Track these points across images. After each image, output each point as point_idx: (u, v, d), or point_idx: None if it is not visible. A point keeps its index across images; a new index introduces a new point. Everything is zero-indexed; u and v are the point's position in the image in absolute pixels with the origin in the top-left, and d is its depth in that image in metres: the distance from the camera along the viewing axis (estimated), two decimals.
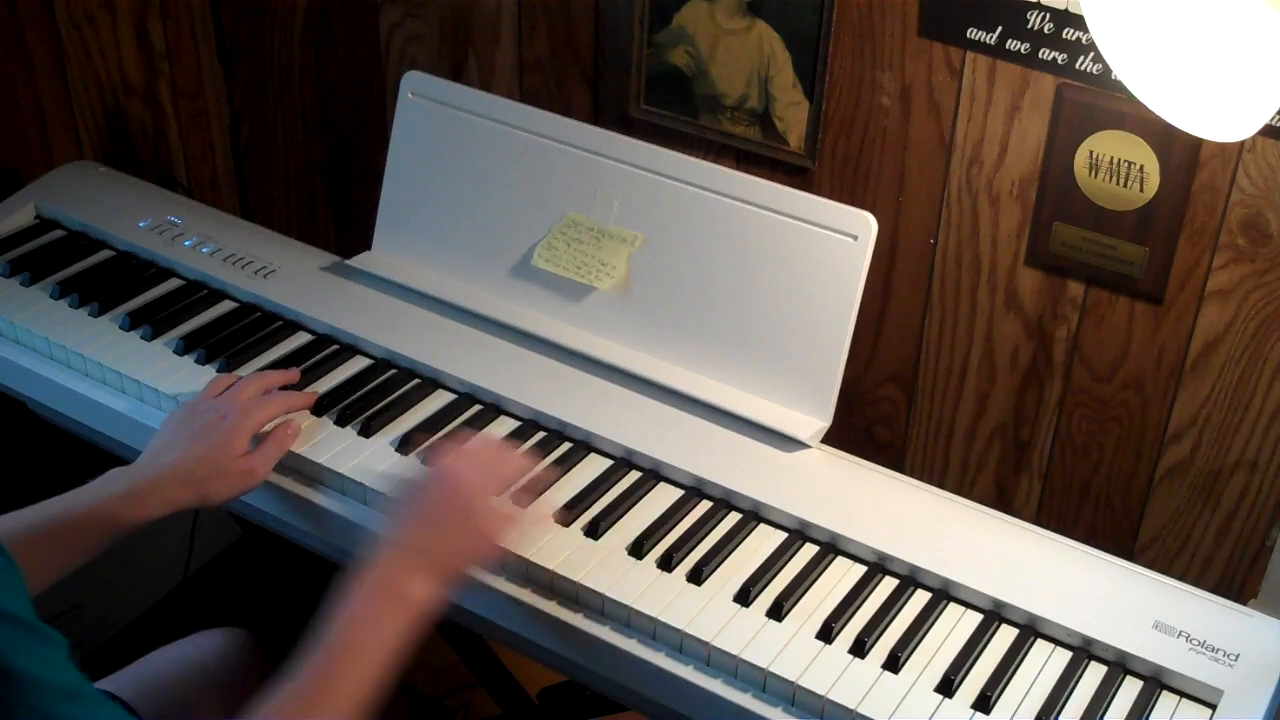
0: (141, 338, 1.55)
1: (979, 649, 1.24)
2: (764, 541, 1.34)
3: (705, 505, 1.37)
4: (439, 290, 1.60)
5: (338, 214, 2.18)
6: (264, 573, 2.25)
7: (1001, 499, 1.73)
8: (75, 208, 1.74)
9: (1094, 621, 1.25)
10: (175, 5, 2.03)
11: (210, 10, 2.07)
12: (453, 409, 1.47)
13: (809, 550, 1.33)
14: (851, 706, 1.17)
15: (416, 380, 1.51)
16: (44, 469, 1.32)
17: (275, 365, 1.51)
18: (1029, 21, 1.44)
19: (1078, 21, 1.41)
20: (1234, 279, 1.47)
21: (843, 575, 1.31)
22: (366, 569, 1.14)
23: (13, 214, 1.74)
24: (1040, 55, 1.45)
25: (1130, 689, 1.21)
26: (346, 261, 1.66)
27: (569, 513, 1.34)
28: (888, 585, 1.30)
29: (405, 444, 1.41)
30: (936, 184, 1.59)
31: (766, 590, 1.28)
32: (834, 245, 1.43)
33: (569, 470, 1.40)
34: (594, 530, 1.32)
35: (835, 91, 1.60)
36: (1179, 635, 1.23)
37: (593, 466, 1.41)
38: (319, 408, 1.46)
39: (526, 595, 1.28)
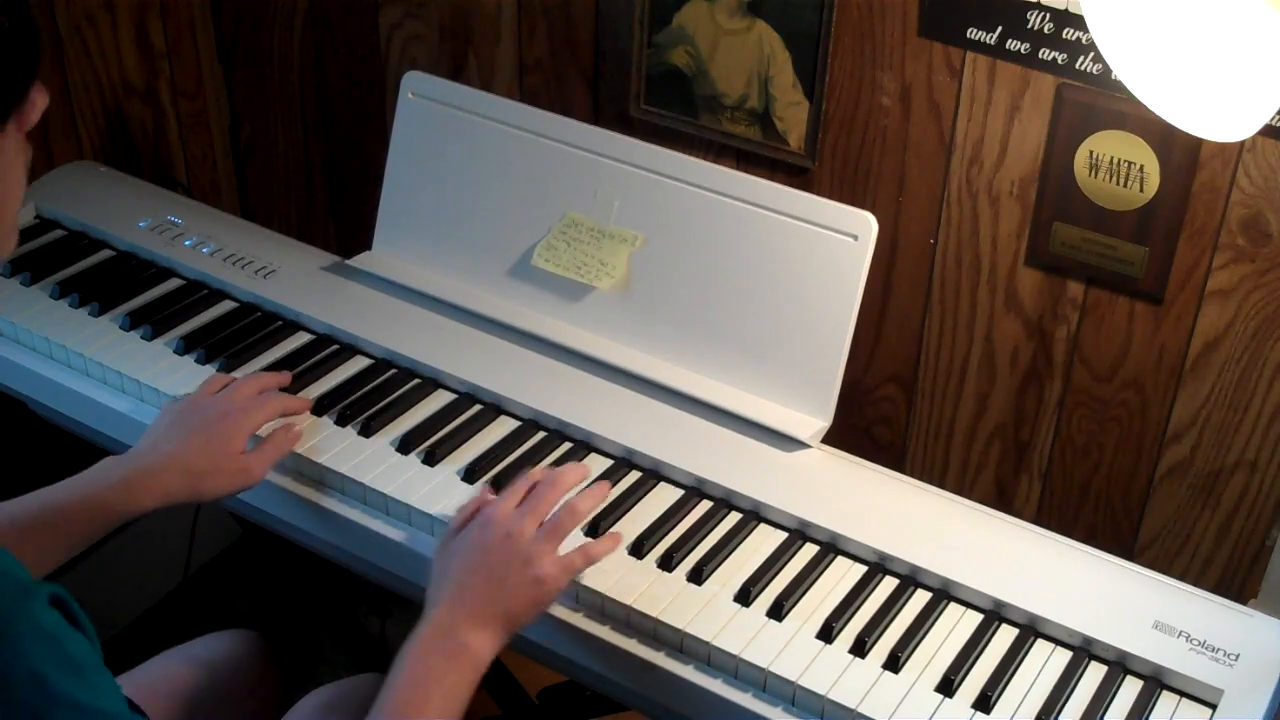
0: (141, 338, 1.55)
1: (979, 649, 1.24)
2: (764, 541, 1.34)
3: (705, 505, 1.37)
4: (439, 290, 1.60)
5: (338, 214, 2.18)
6: (264, 573, 2.25)
7: (1001, 499, 1.73)
8: (75, 208, 1.74)
9: (1094, 621, 1.25)
10: (175, 5, 2.03)
11: (210, 10, 2.07)
12: (453, 409, 1.47)
13: (809, 550, 1.33)
14: (852, 706, 1.17)
15: (416, 380, 1.51)
16: (44, 469, 1.31)
17: (275, 365, 1.51)
18: (1029, 21, 1.44)
19: (1078, 21, 1.41)
20: (1234, 279, 1.47)
21: (843, 575, 1.31)
22: (427, 626, 1.14)
23: None
24: (1040, 55, 1.45)
25: (1130, 689, 1.21)
26: (346, 261, 1.66)
27: None
28: (888, 585, 1.30)
29: (405, 445, 1.41)
30: (936, 184, 1.59)
31: (767, 590, 1.28)
32: (834, 245, 1.43)
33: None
34: (594, 531, 1.32)
35: (835, 91, 1.60)
36: (1179, 635, 1.24)
37: (593, 467, 1.41)
38: (319, 408, 1.46)
39: None
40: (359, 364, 1.54)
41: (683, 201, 1.50)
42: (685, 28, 1.65)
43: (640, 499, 1.37)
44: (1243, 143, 1.39)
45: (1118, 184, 1.47)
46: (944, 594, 1.29)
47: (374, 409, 1.45)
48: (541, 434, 1.45)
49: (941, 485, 1.42)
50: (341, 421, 1.44)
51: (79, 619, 0.92)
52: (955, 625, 1.26)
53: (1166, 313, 1.52)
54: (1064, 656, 1.24)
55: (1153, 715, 1.19)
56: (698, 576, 1.28)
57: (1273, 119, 1.35)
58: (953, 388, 1.70)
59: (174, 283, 1.65)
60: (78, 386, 1.51)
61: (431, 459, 1.39)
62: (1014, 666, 1.22)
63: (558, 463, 1.40)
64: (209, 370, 1.51)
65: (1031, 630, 1.26)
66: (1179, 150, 1.42)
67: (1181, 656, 1.22)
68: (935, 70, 1.53)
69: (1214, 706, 1.19)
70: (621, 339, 1.53)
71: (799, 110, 1.62)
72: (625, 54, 1.73)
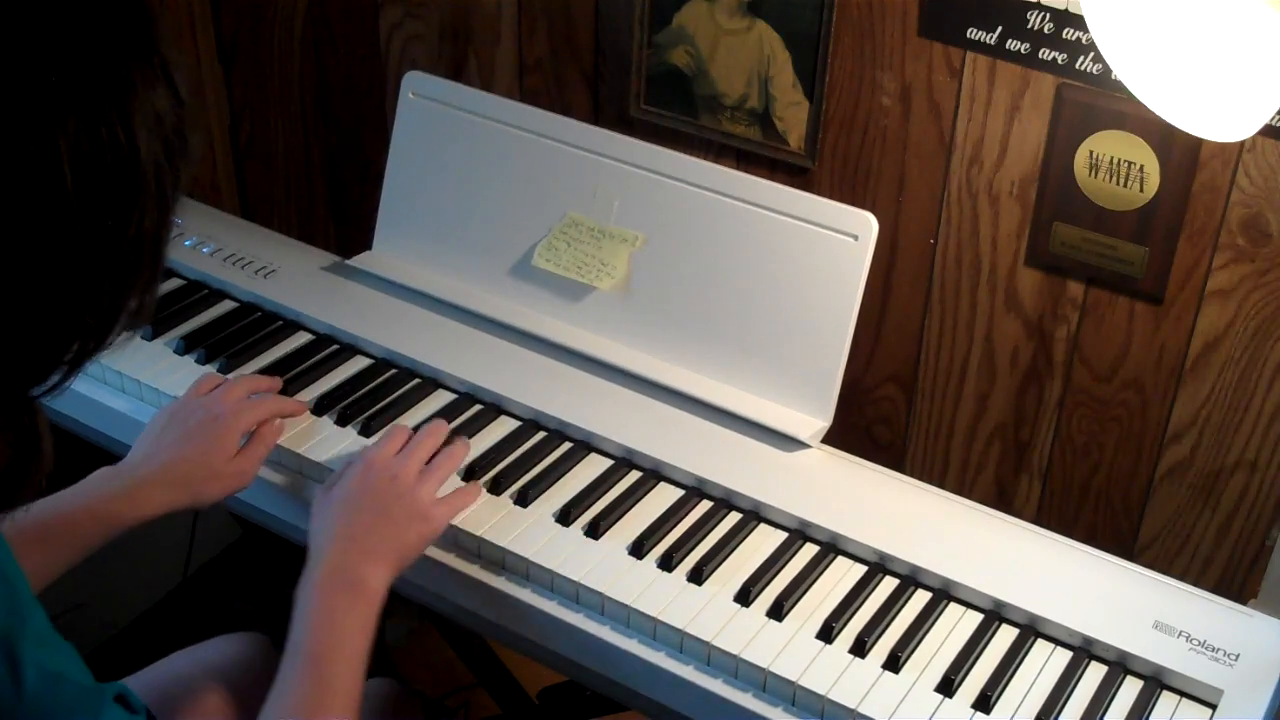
0: (141, 338, 1.55)
1: (979, 649, 1.24)
2: (764, 541, 1.34)
3: (705, 505, 1.37)
4: (439, 290, 1.60)
5: (338, 214, 2.18)
6: (264, 573, 2.25)
7: (1001, 499, 1.73)
8: None
9: (1094, 621, 1.25)
10: (175, 5, 2.03)
11: (210, 10, 2.07)
12: (453, 409, 1.47)
13: (809, 550, 1.33)
14: (852, 706, 1.17)
15: (416, 380, 1.51)
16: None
17: (276, 365, 1.52)
18: (1029, 21, 1.44)
19: (1078, 21, 1.41)
20: (1234, 279, 1.47)
21: (843, 575, 1.31)
22: (321, 565, 1.18)
23: None
24: (1040, 55, 1.45)
25: (1130, 689, 1.21)
26: (346, 261, 1.66)
27: (569, 513, 1.34)
28: (888, 585, 1.30)
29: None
30: (936, 184, 1.59)
31: (767, 590, 1.28)
32: (834, 245, 1.43)
33: (570, 470, 1.40)
34: (594, 530, 1.32)
35: (835, 91, 1.60)
36: (1179, 635, 1.24)
37: (593, 466, 1.41)
38: (319, 408, 1.46)
39: (527, 595, 1.28)
40: (359, 364, 1.54)
41: (683, 201, 1.50)
42: (685, 28, 1.65)
43: (640, 499, 1.37)
44: (1243, 143, 1.39)
45: (1118, 184, 1.47)
46: (944, 594, 1.29)
47: (374, 409, 1.45)
48: (541, 434, 1.45)
49: (941, 485, 1.42)
50: (342, 421, 1.44)
51: (136, 704, 0.95)
52: (955, 625, 1.27)
53: (1166, 313, 1.52)
54: (1064, 656, 1.24)
55: (1153, 715, 1.19)
56: (698, 576, 1.28)
57: (1273, 119, 1.35)
58: (953, 388, 1.70)
59: (174, 283, 1.65)
60: (77, 386, 1.49)
61: (432, 459, 1.39)
62: (1014, 666, 1.22)
63: (558, 463, 1.40)
64: (209, 370, 1.51)
65: (1031, 630, 1.26)
66: (1179, 150, 1.42)
67: (1181, 656, 1.22)
68: (935, 70, 1.53)
69: (1214, 706, 1.19)
70: (621, 339, 1.53)
71: (799, 110, 1.62)
72: (625, 54, 1.73)
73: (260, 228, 1.76)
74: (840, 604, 1.27)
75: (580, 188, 1.55)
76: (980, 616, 1.27)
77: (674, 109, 1.71)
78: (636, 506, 1.36)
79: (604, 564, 1.28)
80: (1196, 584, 1.30)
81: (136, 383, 1.49)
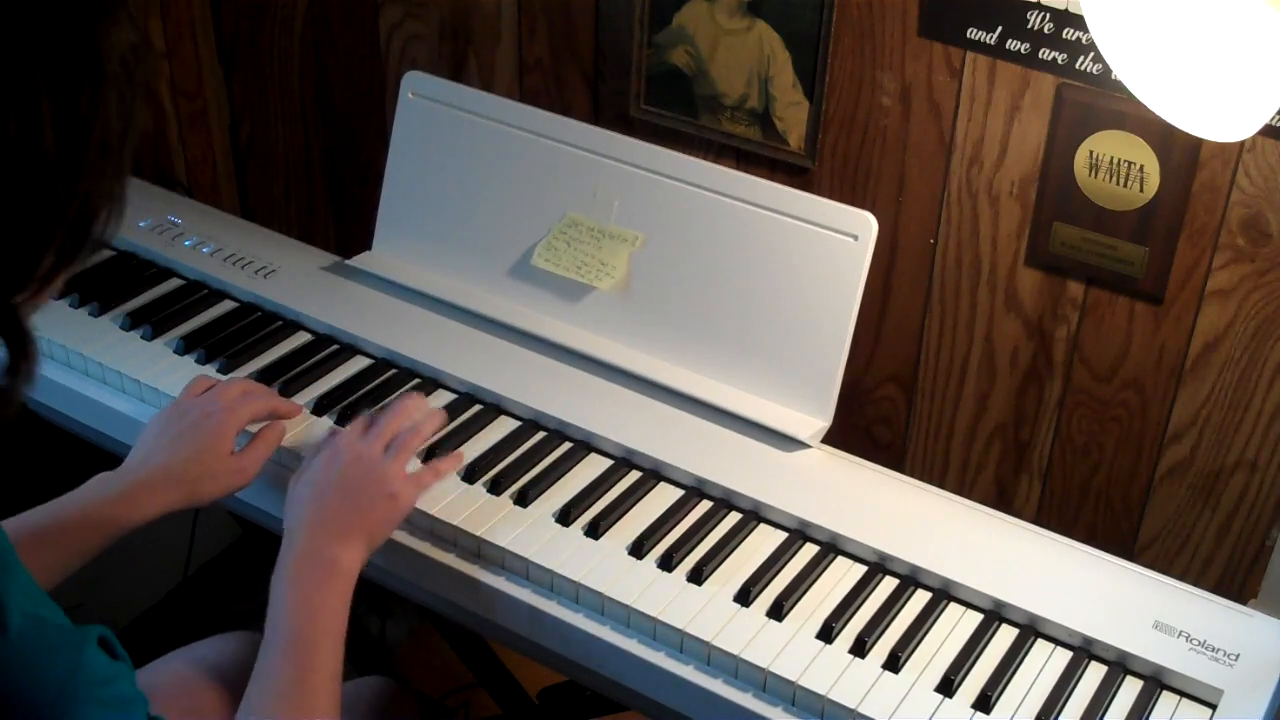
0: (142, 338, 1.55)
1: (979, 649, 1.24)
2: (764, 541, 1.34)
3: (705, 505, 1.37)
4: (439, 290, 1.60)
5: (338, 214, 2.18)
6: (264, 573, 2.25)
7: (1001, 499, 1.73)
8: None
9: (1094, 621, 1.25)
10: (175, 5, 2.03)
11: (210, 10, 2.07)
12: (453, 409, 1.47)
13: (809, 550, 1.33)
14: (852, 706, 1.17)
15: (416, 380, 1.51)
16: (44, 469, 1.32)
17: (275, 365, 1.51)
18: (1029, 21, 1.44)
19: (1078, 21, 1.41)
20: (1234, 279, 1.47)
21: (843, 575, 1.31)
22: (294, 550, 1.20)
23: None
24: (1040, 55, 1.45)
25: (1130, 689, 1.21)
26: (346, 261, 1.66)
27: (569, 513, 1.34)
28: (888, 585, 1.30)
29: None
30: (936, 184, 1.60)
31: (767, 590, 1.28)
32: (834, 245, 1.43)
33: (570, 470, 1.40)
34: (594, 530, 1.32)
35: (835, 91, 1.60)
36: (1179, 635, 1.24)
37: (593, 466, 1.41)
38: (319, 407, 1.46)
39: (526, 595, 1.28)
40: (359, 364, 1.54)
41: (683, 201, 1.50)
42: (685, 28, 1.65)
43: (640, 499, 1.37)
44: (1243, 143, 1.39)
45: (1118, 184, 1.47)
46: (944, 594, 1.29)
47: (374, 409, 1.45)
48: (541, 434, 1.45)
49: (941, 485, 1.42)
50: (342, 422, 1.44)
51: (118, 652, 0.97)
52: (955, 625, 1.27)
53: (1166, 313, 1.52)
54: (1064, 656, 1.24)
55: (1153, 715, 1.19)
56: (697, 577, 1.28)
57: (1273, 119, 1.35)
58: (953, 388, 1.70)
59: (174, 283, 1.65)
60: (78, 386, 1.51)
61: (432, 459, 1.39)
62: (1014, 666, 1.22)
63: (558, 464, 1.40)
64: (209, 370, 1.51)
65: (1031, 630, 1.26)
66: (1179, 150, 1.42)
67: (1181, 656, 1.22)
68: (935, 70, 1.53)
69: (1214, 706, 1.19)
70: (621, 339, 1.53)
71: (799, 110, 1.62)
72: (625, 54, 1.73)
73: (260, 228, 1.76)
74: (840, 604, 1.27)
75: (580, 188, 1.55)
76: (980, 616, 1.27)
77: (674, 109, 1.71)
78: (636, 506, 1.36)
79: (604, 564, 1.28)
80: (1196, 584, 1.30)
81: (136, 383, 1.49)
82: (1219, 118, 1.14)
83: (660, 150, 1.52)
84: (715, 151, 1.71)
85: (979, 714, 1.18)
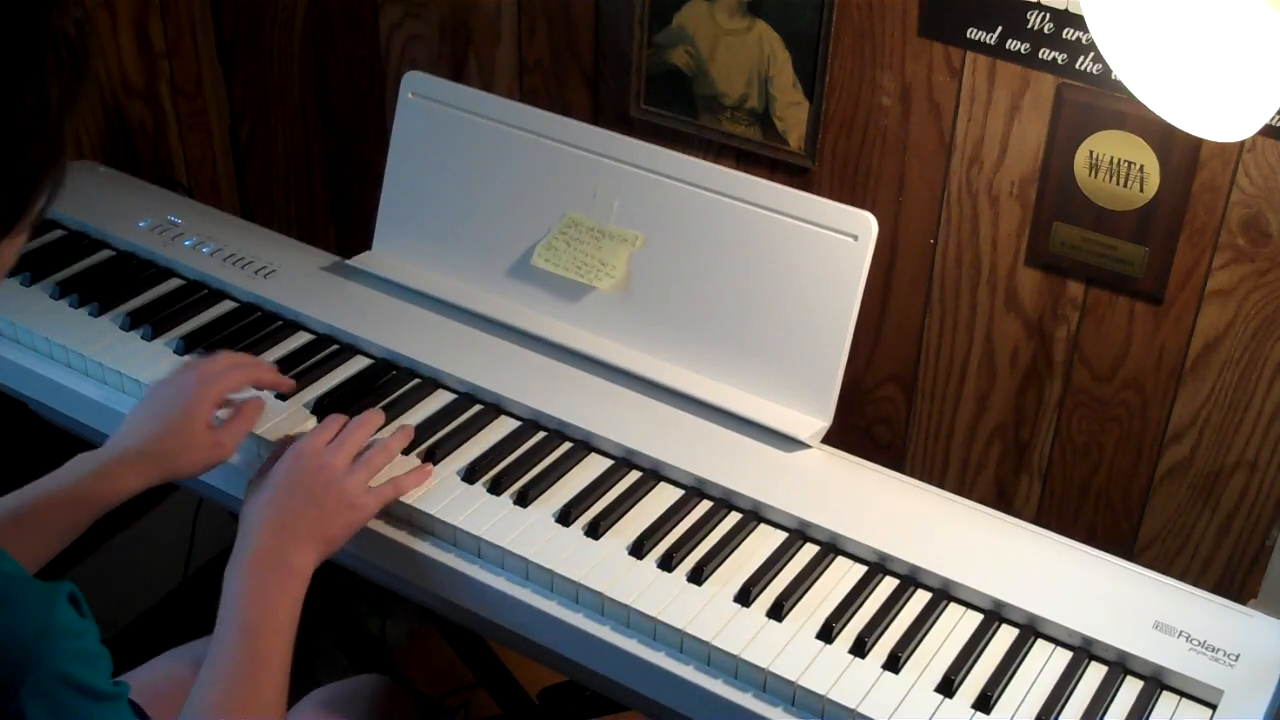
0: (142, 338, 1.55)
1: (979, 649, 1.24)
2: (764, 541, 1.34)
3: (705, 505, 1.37)
4: (439, 290, 1.60)
5: (338, 214, 2.18)
6: None
7: (1001, 499, 1.73)
8: (75, 208, 1.74)
9: (1094, 621, 1.25)
10: (175, 5, 2.03)
11: (210, 10, 2.07)
12: (453, 409, 1.47)
13: (809, 550, 1.33)
14: (852, 706, 1.17)
15: (416, 380, 1.51)
16: (44, 469, 1.31)
17: (276, 365, 1.51)
18: (1029, 21, 1.44)
19: (1078, 21, 1.41)
20: (1234, 279, 1.47)
21: (843, 575, 1.31)
22: (252, 546, 1.22)
23: None
24: (1040, 55, 1.45)
25: (1130, 689, 1.21)
26: (346, 261, 1.66)
27: (569, 513, 1.34)
28: (888, 585, 1.30)
29: (406, 445, 1.41)
30: (936, 184, 1.60)
31: (767, 590, 1.28)
32: (834, 245, 1.43)
33: (570, 470, 1.40)
34: (594, 530, 1.32)
35: (835, 91, 1.60)
36: (1179, 635, 1.24)
37: (593, 466, 1.41)
38: (319, 407, 1.46)
39: (526, 595, 1.28)
40: (359, 364, 1.54)
41: (683, 201, 1.50)
42: (685, 28, 1.65)
43: (640, 499, 1.37)
44: (1243, 143, 1.39)
45: (1118, 184, 1.47)
46: (944, 594, 1.29)
47: (374, 409, 1.45)
48: (541, 434, 1.45)
49: (941, 485, 1.42)
50: None
51: (85, 610, 0.98)
52: (955, 625, 1.26)
53: (1166, 313, 1.52)
54: (1064, 657, 1.24)
55: (1153, 715, 1.19)
56: (698, 576, 1.28)
57: (1273, 119, 1.35)
58: (953, 388, 1.70)
59: (174, 283, 1.65)
60: (78, 386, 1.51)
61: (432, 459, 1.39)
62: (1014, 667, 1.22)
63: (558, 464, 1.40)
64: None
65: (1031, 630, 1.26)
66: (1179, 150, 1.42)
67: (1181, 657, 1.22)
68: (935, 70, 1.53)
69: (1214, 707, 1.19)
70: (621, 339, 1.53)
71: (799, 110, 1.62)
72: (625, 54, 1.73)
73: (260, 228, 1.76)
74: (840, 604, 1.27)
75: (580, 188, 1.55)
76: (980, 616, 1.27)
77: (674, 109, 1.71)
78: (636, 506, 1.36)
79: (604, 564, 1.28)
80: (1196, 584, 1.30)
81: (137, 383, 1.49)
82: (1219, 118, 1.14)
83: (660, 150, 1.52)
84: (715, 151, 1.71)
85: (979, 714, 1.18)
